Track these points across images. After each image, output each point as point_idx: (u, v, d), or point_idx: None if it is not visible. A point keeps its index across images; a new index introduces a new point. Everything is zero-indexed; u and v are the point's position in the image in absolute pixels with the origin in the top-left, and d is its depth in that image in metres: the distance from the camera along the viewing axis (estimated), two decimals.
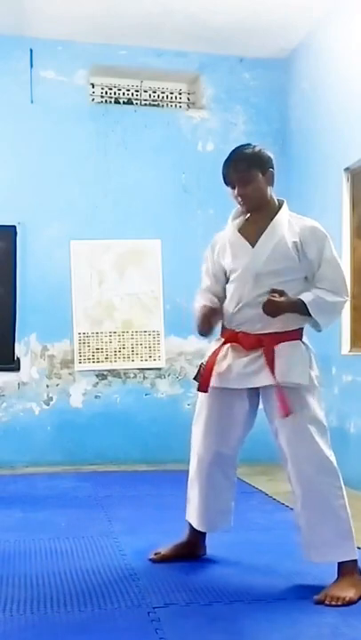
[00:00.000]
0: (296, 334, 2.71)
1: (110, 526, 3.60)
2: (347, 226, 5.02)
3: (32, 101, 5.67)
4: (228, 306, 2.80)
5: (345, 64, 5.03)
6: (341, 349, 5.01)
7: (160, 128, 5.88)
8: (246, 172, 2.72)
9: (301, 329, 2.75)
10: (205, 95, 6.01)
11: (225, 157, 2.81)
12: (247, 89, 6.03)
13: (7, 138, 5.61)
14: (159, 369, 5.78)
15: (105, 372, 5.72)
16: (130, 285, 5.75)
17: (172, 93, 6.14)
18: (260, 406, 2.82)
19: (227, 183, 2.78)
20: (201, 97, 6.06)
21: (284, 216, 2.76)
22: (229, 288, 2.82)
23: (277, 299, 2.57)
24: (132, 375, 5.76)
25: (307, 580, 2.74)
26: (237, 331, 2.76)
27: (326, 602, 2.47)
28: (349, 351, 4.97)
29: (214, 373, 2.76)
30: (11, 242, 5.56)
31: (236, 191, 2.75)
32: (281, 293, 2.59)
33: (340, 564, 2.60)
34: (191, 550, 3.02)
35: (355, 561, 2.60)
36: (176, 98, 6.16)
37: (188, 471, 3.02)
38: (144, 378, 5.78)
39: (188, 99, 6.18)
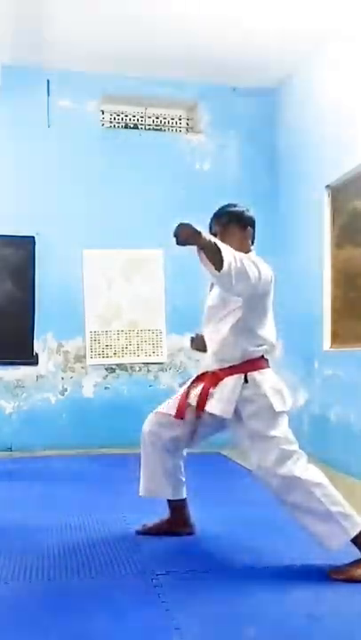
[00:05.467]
0: (238, 369, 2.64)
1: (118, 502, 3.60)
2: (328, 236, 5.02)
3: (49, 126, 5.66)
4: None
5: (326, 94, 5.04)
6: (323, 346, 5.01)
7: (162, 150, 5.87)
8: (226, 225, 2.76)
9: (248, 362, 2.64)
10: (202, 121, 6.01)
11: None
12: (240, 115, 6.01)
13: (27, 158, 5.60)
14: (161, 363, 5.77)
15: (113, 366, 5.71)
16: (135, 289, 5.75)
17: (172, 119, 6.13)
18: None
19: (210, 231, 2.76)
20: (198, 122, 6.05)
21: None
22: None
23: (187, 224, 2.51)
24: (137, 369, 5.76)
25: (291, 549, 2.73)
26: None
27: None
28: (330, 347, 4.98)
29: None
30: (30, 251, 5.55)
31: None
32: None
33: (354, 539, 2.45)
34: (172, 527, 2.93)
35: None
36: (176, 123, 6.15)
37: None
38: (148, 371, 5.77)
39: (187, 124, 6.17)
